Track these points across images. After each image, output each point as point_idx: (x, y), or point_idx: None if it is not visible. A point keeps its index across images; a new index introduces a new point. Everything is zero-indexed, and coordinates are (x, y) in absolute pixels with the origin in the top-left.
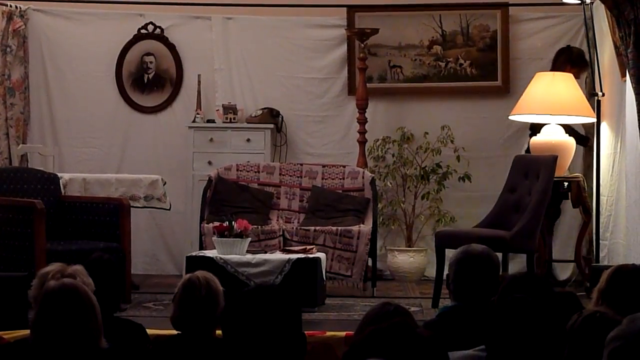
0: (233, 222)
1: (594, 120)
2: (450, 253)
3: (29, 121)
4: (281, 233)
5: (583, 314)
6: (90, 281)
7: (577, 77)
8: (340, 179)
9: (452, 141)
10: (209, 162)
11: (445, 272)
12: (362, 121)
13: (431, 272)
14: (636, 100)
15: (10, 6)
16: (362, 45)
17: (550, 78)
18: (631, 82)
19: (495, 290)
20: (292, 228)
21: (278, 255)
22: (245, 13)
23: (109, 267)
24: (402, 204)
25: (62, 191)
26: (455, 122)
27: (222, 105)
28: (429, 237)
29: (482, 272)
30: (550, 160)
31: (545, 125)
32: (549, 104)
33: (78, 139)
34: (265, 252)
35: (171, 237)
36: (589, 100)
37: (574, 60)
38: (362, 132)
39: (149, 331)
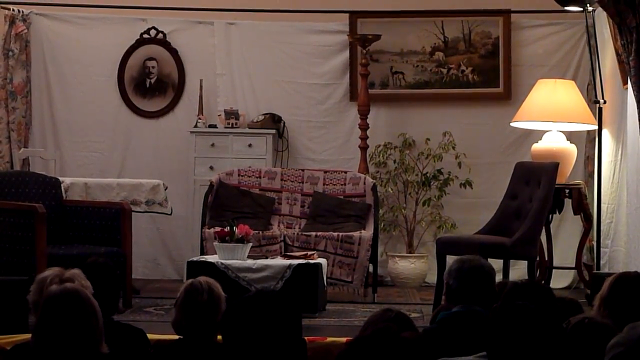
0: (234, 227)
1: (595, 127)
2: (451, 259)
3: (31, 125)
4: (282, 238)
5: (571, 321)
6: (89, 284)
7: None
8: (342, 184)
9: (453, 147)
10: (211, 167)
11: None
12: (364, 127)
13: (432, 278)
14: (637, 108)
15: (13, 10)
16: (364, 51)
17: (552, 85)
18: (633, 90)
19: (492, 293)
20: (293, 233)
21: (279, 261)
22: (247, 18)
23: (105, 270)
24: (403, 210)
25: (64, 195)
26: (457, 129)
27: (224, 110)
28: (430, 244)
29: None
30: (551, 167)
31: (547, 132)
32: (551, 111)
33: (80, 143)
34: (266, 258)
35: (172, 242)
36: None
37: None
38: (364, 138)
39: (150, 336)
